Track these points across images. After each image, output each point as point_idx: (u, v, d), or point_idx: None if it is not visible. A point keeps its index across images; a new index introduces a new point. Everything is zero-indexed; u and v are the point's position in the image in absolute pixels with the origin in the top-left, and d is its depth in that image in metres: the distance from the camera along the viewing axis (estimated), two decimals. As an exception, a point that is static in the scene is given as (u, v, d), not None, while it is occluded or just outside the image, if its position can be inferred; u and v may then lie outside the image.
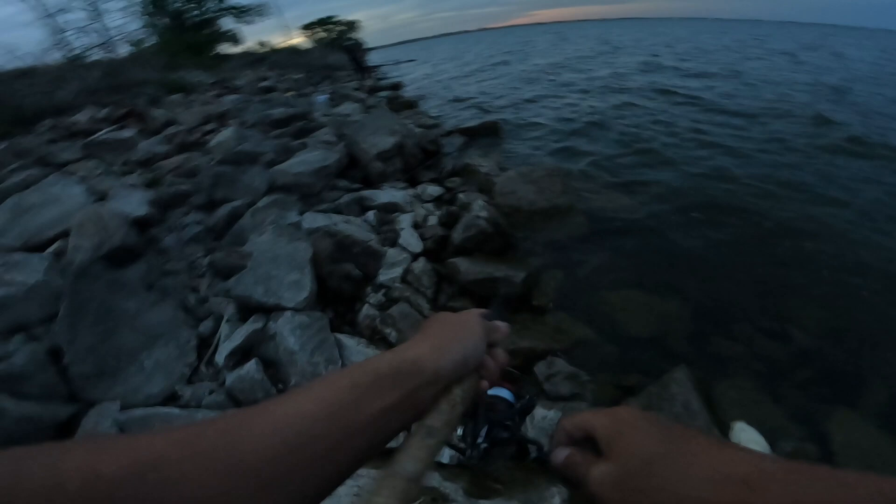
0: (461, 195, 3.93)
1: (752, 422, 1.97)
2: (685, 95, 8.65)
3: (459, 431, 0.55)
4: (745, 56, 16.83)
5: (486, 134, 6.77)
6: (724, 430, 1.97)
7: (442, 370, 0.42)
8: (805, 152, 5.28)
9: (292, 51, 28.86)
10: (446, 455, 1.73)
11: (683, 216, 3.90)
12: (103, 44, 15.47)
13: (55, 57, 12.48)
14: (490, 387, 0.51)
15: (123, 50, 16.35)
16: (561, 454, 0.44)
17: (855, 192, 4.24)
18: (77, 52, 12.83)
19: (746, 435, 1.90)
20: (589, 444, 0.42)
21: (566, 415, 0.48)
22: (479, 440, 0.55)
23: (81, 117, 6.75)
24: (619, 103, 8.18)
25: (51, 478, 0.24)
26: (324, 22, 46.10)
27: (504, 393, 0.64)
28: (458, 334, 0.47)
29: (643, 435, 0.38)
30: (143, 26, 20.25)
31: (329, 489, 0.33)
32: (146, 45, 18.88)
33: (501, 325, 0.55)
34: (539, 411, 1.94)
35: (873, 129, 6.13)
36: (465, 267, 2.91)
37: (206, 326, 2.52)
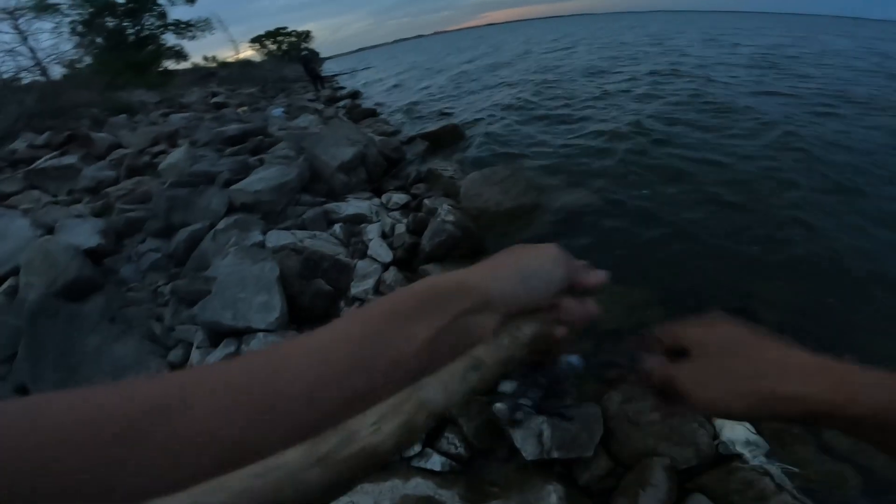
0: (427, 201, 3.95)
1: None
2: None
3: (511, 387, 0.48)
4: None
5: (446, 138, 6.82)
6: (708, 415, 2.04)
7: (494, 292, 0.35)
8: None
9: (244, 64, 28.18)
10: (438, 463, 1.74)
11: (643, 203, 4.06)
12: (35, 66, 14.60)
13: (-18, 82, 11.69)
14: (569, 337, 0.41)
15: (57, 72, 15.48)
16: (654, 360, 0.46)
17: (810, 172, 4.52)
18: (8, 75, 12.07)
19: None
20: (679, 354, 0.45)
21: (658, 326, 0.48)
22: (530, 403, 0.48)
23: (19, 145, 6.38)
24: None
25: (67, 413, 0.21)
26: (274, 34, 45.23)
27: (575, 360, 0.53)
28: (520, 256, 0.39)
29: (726, 334, 0.43)
30: (76, 46, 19.24)
31: None
32: (82, 65, 17.97)
33: (597, 270, 0.43)
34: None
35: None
36: (436, 273, 2.93)
37: (175, 355, 2.44)
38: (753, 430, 1.83)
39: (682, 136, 5.79)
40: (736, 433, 1.81)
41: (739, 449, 1.74)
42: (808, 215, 3.64)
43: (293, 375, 0.26)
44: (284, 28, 45.82)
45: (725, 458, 1.75)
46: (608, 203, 4.12)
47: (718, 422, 1.95)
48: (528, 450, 1.75)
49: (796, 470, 1.67)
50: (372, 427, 0.25)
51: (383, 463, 0.25)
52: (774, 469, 1.65)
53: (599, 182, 4.57)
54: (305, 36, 46.67)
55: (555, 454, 1.71)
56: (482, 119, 7.70)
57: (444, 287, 0.34)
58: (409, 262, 3.26)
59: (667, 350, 0.46)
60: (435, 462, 1.74)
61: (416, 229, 3.47)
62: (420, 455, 1.77)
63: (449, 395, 0.29)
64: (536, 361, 0.44)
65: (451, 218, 3.28)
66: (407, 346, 0.30)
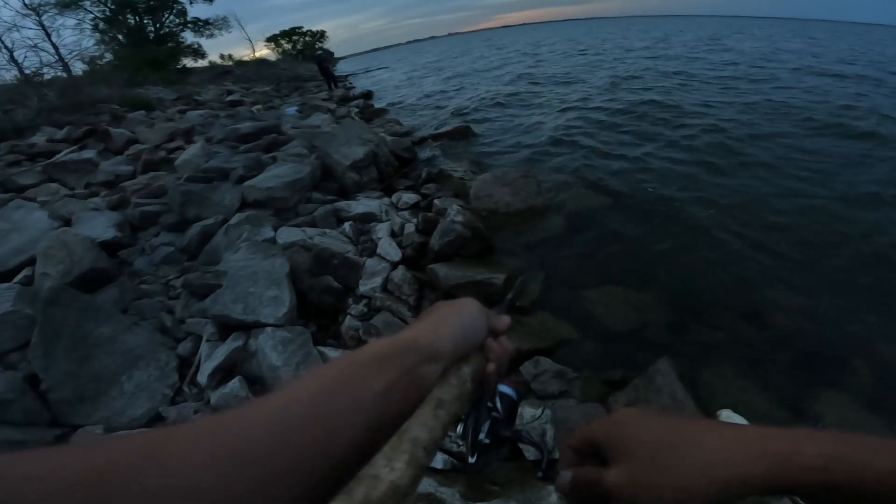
0: (437, 201, 3.96)
1: (739, 408, 1.98)
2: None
3: (459, 429, 0.53)
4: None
5: (458, 138, 6.85)
6: (711, 418, 2.02)
7: (440, 346, 0.41)
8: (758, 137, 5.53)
9: (259, 63, 28.50)
10: (440, 460, 1.74)
11: (653, 209, 4.03)
12: (57, 61, 14.92)
13: (7, 77, 11.98)
14: (498, 373, 0.50)
15: (78, 68, 15.80)
16: (567, 476, 0.44)
17: (821, 173, 4.45)
18: (32, 70, 12.35)
19: (733, 422, 1.93)
20: (594, 456, 0.43)
21: (564, 432, 0.47)
22: (482, 435, 0.53)
23: (39, 138, 6.51)
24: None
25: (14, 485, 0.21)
26: (290, 33, 45.69)
27: (507, 390, 0.61)
28: (454, 312, 0.47)
29: (646, 430, 0.39)
30: (97, 43, 19.65)
31: (339, 476, 0.29)
32: (102, 61, 18.33)
33: (503, 316, 0.54)
34: (528, 410, 1.97)
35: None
36: (445, 272, 2.93)
37: (185, 347, 2.47)
38: None
39: (692, 139, 5.73)
40: None
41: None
42: (828, 224, 3.59)
43: (260, 432, 0.29)
44: (300, 27, 46.33)
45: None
46: (621, 206, 4.10)
47: None
48: (531, 450, 1.74)
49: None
50: (386, 467, 0.29)
51: (406, 496, 0.28)
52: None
53: (611, 184, 4.54)
54: (320, 35, 47.09)
55: (557, 454, 1.70)
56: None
57: (397, 346, 0.39)
58: (417, 262, 3.26)
59: (580, 454, 0.44)
60: (437, 460, 1.74)
61: (426, 229, 3.48)
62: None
63: (430, 430, 0.34)
64: (478, 396, 0.50)
65: (460, 218, 3.28)
66: (365, 394, 0.34)
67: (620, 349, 2.52)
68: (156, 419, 2.06)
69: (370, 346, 0.39)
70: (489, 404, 0.55)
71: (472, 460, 0.53)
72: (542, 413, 1.96)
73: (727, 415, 2.00)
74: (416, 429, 0.33)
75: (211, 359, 2.30)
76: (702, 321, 2.67)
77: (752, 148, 5.29)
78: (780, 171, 4.63)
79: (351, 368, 0.36)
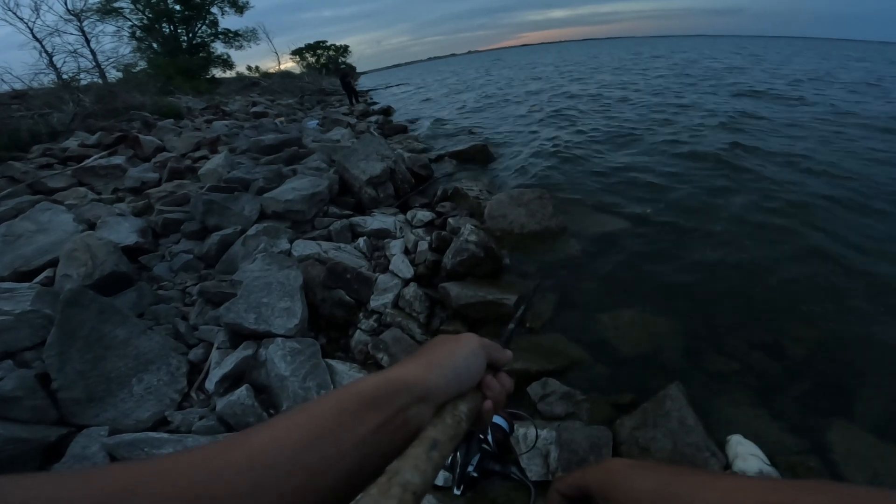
0: (451, 220, 3.99)
1: (749, 436, 1.96)
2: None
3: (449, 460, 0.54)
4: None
5: (475, 157, 6.90)
6: (722, 445, 1.96)
7: (432, 386, 0.40)
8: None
9: (284, 75, 29.30)
10: (440, 478, 1.73)
11: (671, 235, 3.99)
12: (94, 67, 15.55)
13: (46, 80, 12.53)
14: (495, 410, 0.49)
15: (113, 75, 16.45)
16: None
17: (831, 206, 4.38)
18: (69, 75, 12.90)
19: (744, 448, 1.87)
20: (584, 502, 0.42)
21: (557, 477, 0.46)
22: (470, 468, 0.53)
23: (72, 143, 6.77)
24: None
25: None
26: (314, 47, 46.97)
27: (501, 422, 0.62)
28: (449, 351, 0.45)
29: (638, 480, 0.39)
30: (133, 50, 20.46)
31: None
32: (137, 68, 19.06)
33: (505, 350, 0.53)
34: (532, 432, 1.95)
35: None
36: (456, 291, 2.94)
37: (196, 353, 2.51)
38: (768, 462, 1.76)
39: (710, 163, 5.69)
40: (748, 464, 1.75)
41: (749, 480, 1.68)
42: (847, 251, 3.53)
43: (236, 473, 0.29)
44: (324, 42, 47.58)
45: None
46: (637, 230, 4.07)
47: (731, 451, 1.90)
48: (534, 469, 1.73)
49: None
50: None
51: None
52: None
53: (628, 209, 4.52)
54: (344, 50, 48.32)
55: (560, 474, 1.68)
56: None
57: (386, 386, 0.38)
58: (430, 280, 3.28)
59: (568, 500, 0.44)
60: (437, 477, 1.73)
61: (439, 247, 3.50)
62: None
63: (422, 473, 0.33)
64: (470, 432, 0.48)
65: (473, 238, 3.30)
66: (350, 439, 0.34)
67: (631, 373, 2.49)
68: (161, 423, 2.09)
69: (358, 385, 0.38)
70: (480, 436, 0.55)
71: (457, 492, 0.53)
72: (547, 434, 1.94)
73: (737, 439, 1.95)
74: (407, 472, 0.32)
75: (221, 366, 2.34)
76: (716, 349, 2.63)
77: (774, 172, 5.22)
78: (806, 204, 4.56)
79: (337, 410, 0.35)
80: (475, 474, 0.54)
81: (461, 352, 0.46)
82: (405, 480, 0.31)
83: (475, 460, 0.54)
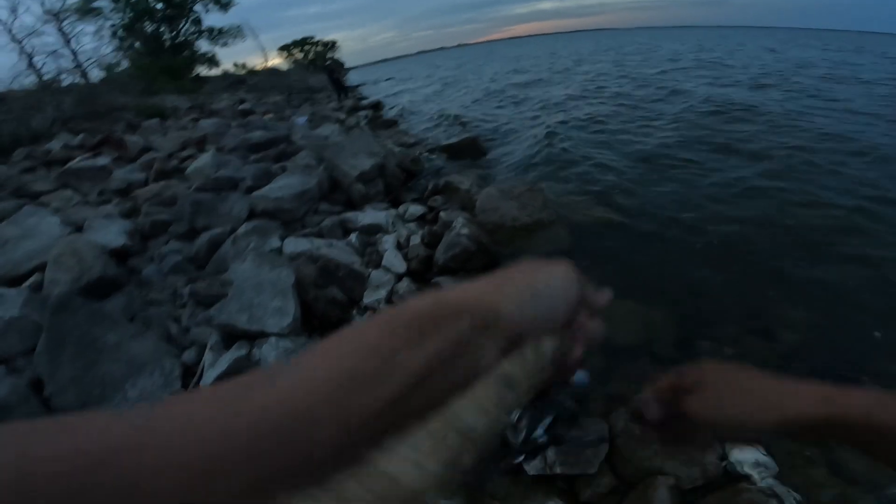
0: (443, 213, 3.98)
1: None
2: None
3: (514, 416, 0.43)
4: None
5: (466, 150, 6.87)
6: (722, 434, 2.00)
7: (506, 313, 0.31)
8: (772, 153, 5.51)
9: (271, 72, 28.97)
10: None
11: (661, 224, 4.02)
12: (76, 67, 15.27)
13: (26, 82, 12.29)
14: (582, 359, 0.38)
15: (96, 75, 16.17)
16: (652, 400, 0.49)
17: (830, 188, 4.44)
18: (50, 76, 12.65)
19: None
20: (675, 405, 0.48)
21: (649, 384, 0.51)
22: (539, 431, 0.43)
23: (55, 145, 6.65)
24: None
25: None
26: (301, 43, 46.44)
27: (582, 378, 0.48)
28: (529, 272, 0.36)
29: (728, 371, 0.47)
30: (115, 50, 20.10)
31: (348, 465, 0.22)
32: (119, 69, 18.74)
33: (604, 289, 0.42)
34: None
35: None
36: (449, 286, 2.94)
37: (189, 355, 2.49)
38: (764, 452, 1.79)
39: (701, 154, 5.72)
40: (745, 454, 1.77)
41: (748, 470, 1.71)
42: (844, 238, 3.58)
43: (254, 418, 0.22)
44: (311, 37, 47.04)
45: (733, 478, 1.71)
46: (628, 221, 4.09)
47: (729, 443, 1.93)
48: (532, 464, 1.74)
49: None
50: (412, 466, 0.21)
51: None
52: (783, 491, 1.62)
53: (620, 199, 4.54)
54: (331, 46, 47.82)
55: (558, 469, 1.69)
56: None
57: (445, 308, 0.30)
58: (422, 274, 3.28)
59: (670, 391, 0.50)
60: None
61: (431, 241, 3.50)
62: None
63: (490, 420, 0.25)
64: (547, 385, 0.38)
65: (465, 231, 3.30)
66: (397, 379, 0.25)
67: (625, 363, 2.50)
68: (156, 427, 2.08)
69: (415, 303, 0.30)
70: (557, 395, 0.44)
71: (519, 460, 0.43)
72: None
73: None
74: (471, 416, 0.24)
75: (214, 367, 2.32)
76: (710, 336, 2.65)
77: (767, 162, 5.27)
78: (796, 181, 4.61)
79: (390, 335, 0.27)
80: (544, 439, 0.43)
81: (547, 276, 0.35)
82: (466, 426, 0.24)
83: (547, 421, 0.43)
